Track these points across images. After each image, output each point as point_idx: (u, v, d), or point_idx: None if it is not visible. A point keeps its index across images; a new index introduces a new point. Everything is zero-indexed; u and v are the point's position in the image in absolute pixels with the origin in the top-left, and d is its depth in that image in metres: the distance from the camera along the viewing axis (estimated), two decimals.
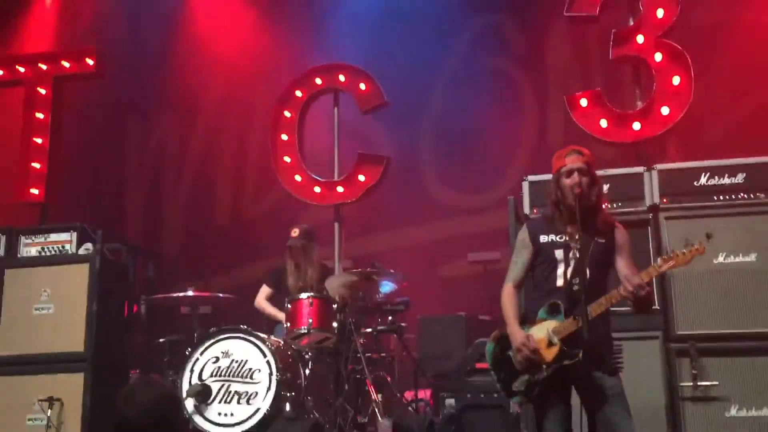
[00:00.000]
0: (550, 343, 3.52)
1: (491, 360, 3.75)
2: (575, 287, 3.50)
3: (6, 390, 5.68)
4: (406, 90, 7.88)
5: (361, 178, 6.99)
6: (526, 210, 5.18)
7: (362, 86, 7.08)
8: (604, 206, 3.88)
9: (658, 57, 5.98)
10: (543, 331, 3.55)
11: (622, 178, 5.14)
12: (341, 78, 7.16)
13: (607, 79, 6.73)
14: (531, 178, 5.25)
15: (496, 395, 5.20)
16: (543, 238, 3.72)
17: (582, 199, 3.60)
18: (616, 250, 3.68)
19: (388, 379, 5.83)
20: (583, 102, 6.06)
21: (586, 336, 3.34)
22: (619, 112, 6.01)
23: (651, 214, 4.93)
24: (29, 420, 5.55)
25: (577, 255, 3.57)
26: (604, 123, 6.00)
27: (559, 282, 3.63)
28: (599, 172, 5.01)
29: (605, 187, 5.04)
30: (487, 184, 7.73)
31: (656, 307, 4.74)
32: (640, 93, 6.08)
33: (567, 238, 3.64)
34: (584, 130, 5.97)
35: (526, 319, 3.68)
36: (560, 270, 3.64)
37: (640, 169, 5.18)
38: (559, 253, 3.66)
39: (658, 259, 3.53)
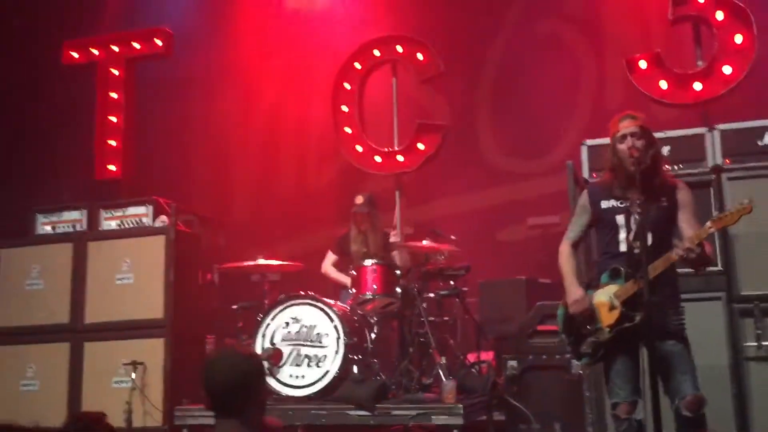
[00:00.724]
0: (612, 307, 3.63)
1: (562, 323, 3.88)
2: (636, 251, 3.56)
3: (93, 355, 6.06)
4: (462, 57, 7.91)
5: (421, 146, 7.08)
6: (585, 174, 5.22)
7: (420, 56, 7.13)
8: (664, 168, 3.89)
9: (719, 15, 5.85)
10: (605, 295, 3.66)
11: (683, 140, 5.12)
12: (399, 49, 7.23)
13: (666, 39, 6.61)
14: (589, 142, 5.28)
15: (558, 357, 5.32)
16: (604, 204, 3.79)
17: (639, 163, 3.64)
18: (679, 208, 3.72)
19: (451, 342, 6.00)
20: (643, 64, 5.99)
21: (647, 298, 3.39)
22: (679, 73, 5.92)
23: (713, 175, 4.91)
24: (115, 382, 5.92)
25: (638, 219, 3.61)
26: (664, 84, 5.93)
27: (622, 247, 3.70)
28: (660, 134, 5.07)
29: (666, 149, 5.07)
30: (545, 149, 7.72)
31: (719, 267, 4.75)
32: (700, 53, 5.97)
33: (628, 203, 3.68)
34: (643, 93, 5.91)
35: (591, 285, 3.78)
36: (622, 235, 3.71)
37: (701, 129, 5.16)
38: (620, 219, 3.72)
39: (708, 222, 3.55)
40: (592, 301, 3.72)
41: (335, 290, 6.35)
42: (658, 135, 5.05)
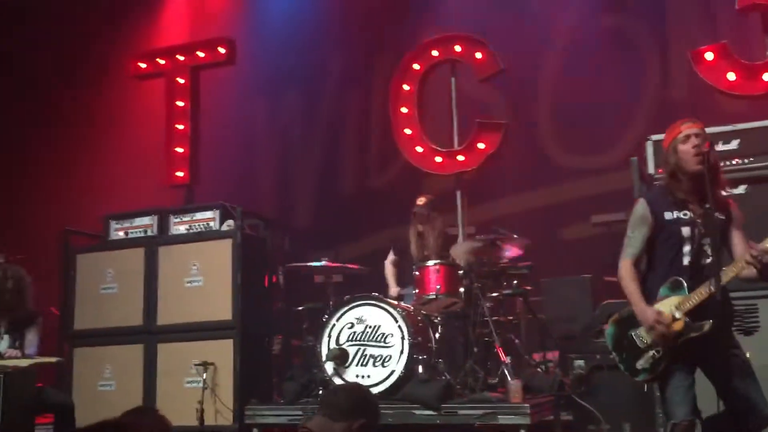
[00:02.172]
0: (674, 318, 3.49)
1: (612, 342, 3.72)
2: (707, 261, 3.48)
3: (166, 356, 6.22)
4: (521, 54, 7.85)
5: (481, 145, 7.07)
6: (651, 170, 5.13)
7: (478, 55, 7.13)
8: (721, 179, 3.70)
9: None
10: (666, 307, 3.52)
11: (753, 132, 4.97)
12: (457, 48, 7.25)
13: (733, 30, 6.44)
14: (654, 137, 5.16)
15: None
16: (667, 215, 3.61)
17: (704, 161, 3.51)
18: (733, 225, 3.61)
19: (516, 341, 5.97)
20: (709, 55, 5.88)
21: (720, 299, 3.30)
22: (747, 64, 5.79)
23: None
24: (188, 382, 6.07)
25: (703, 231, 3.52)
26: (731, 76, 5.81)
27: (686, 260, 3.56)
28: (729, 127, 4.98)
29: (736, 143, 4.95)
30: (608, 145, 7.59)
31: None
32: None
33: (691, 214, 3.57)
34: (709, 85, 5.81)
35: (647, 298, 3.60)
36: (687, 248, 3.57)
37: None
38: (686, 231, 3.57)
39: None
40: None
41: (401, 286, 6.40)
42: (726, 128, 5.00)
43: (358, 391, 3.35)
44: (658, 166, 5.07)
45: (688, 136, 3.62)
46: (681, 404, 3.47)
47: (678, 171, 3.62)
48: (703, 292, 3.45)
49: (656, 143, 5.14)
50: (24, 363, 5.12)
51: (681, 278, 3.53)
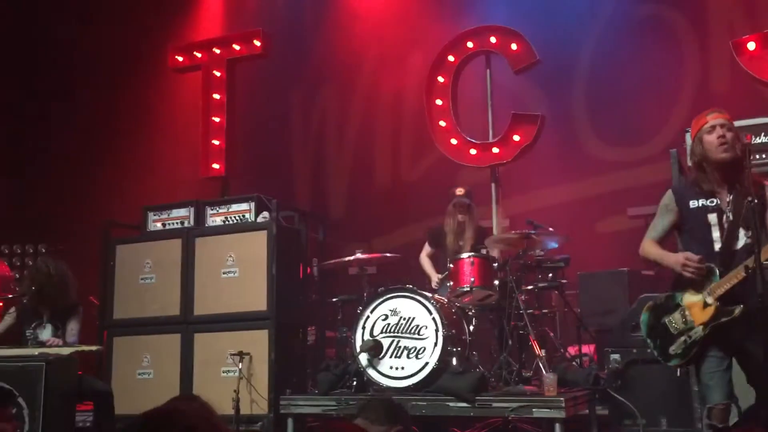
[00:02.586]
0: (706, 304, 3.55)
1: (646, 329, 3.80)
2: (740, 246, 3.50)
3: (202, 346, 6.29)
4: (557, 45, 7.78)
5: (516, 138, 7.01)
6: (690, 162, 5.05)
7: (513, 46, 7.06)
8: (751, 164, 3.68)
9: None
10: (697, 294, 3.58)
11: None
12: (492, 40, 7.18)
13: None
14: None
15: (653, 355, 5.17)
16: (693, 204, 3.68)
17: (730, 149, 3.57)
18: (767, 208, 3.59)
19: (551, 334, 5.93)
20: (751, 45, 5.74)
21: (760, 289, 3.26)
22: None
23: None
24: (224, 372, 6.13)
25: (731, 218, 3.55)
26: None
27: (716, 246, 3.60)
28: None
29: None
30: (646, 137, 7.51)
31: None
32: None
33: (718, 201, 3.60)
34: (752, 76, 5.67)
35: (678, 285, 3.68)
36: (716, 234, 3.61)
37: None
38: (712, 218, 3.62)
39: None
40: (681, 302, 3.65)
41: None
42: None
43: (392, 401, 3.62)
44: None
45: (713, 127, 3.67)
46: (716, 388, 3.53)
47: (704, 161, 3.68)
48: (737, 276, 3.46)
49: None
50: (65, 351, 5.23)
51: (712, 264, 3.56)
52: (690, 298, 3.61)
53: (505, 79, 7.34)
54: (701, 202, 3.67)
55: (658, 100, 7.43)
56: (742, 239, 3.55)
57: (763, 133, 4.88)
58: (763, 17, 6.74)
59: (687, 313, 3.61)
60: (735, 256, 3.54)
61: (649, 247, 3.82)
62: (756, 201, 3.53)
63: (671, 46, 7.56)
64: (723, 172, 3.61)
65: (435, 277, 6.22)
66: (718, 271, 3.54)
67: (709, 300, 3.54)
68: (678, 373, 4.84)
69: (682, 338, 3.61)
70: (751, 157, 3.74)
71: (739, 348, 3.56)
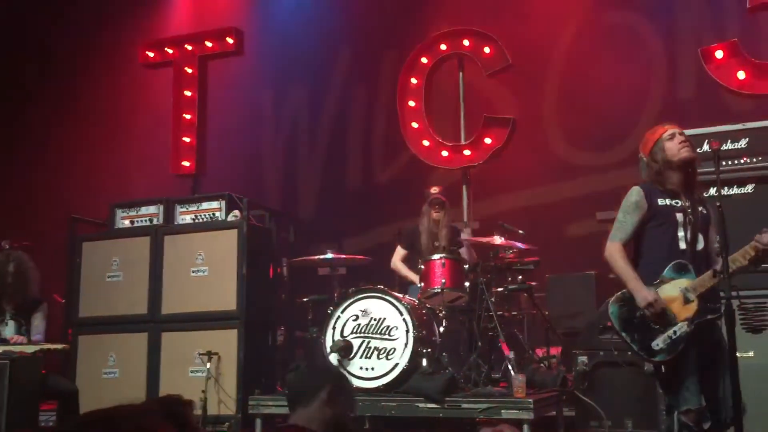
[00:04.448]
0: (687, 300, 3.56)
1: (619, 322, 3.73)
2: (699, 248, 3.59)
3: (170, 345, 6.23)
4: (529, 50, 7.84)
5: (488, 140, 7.06)
6: (642, 175, 5.11)
7: (486, 50, 7.12)
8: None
9: None
10: (675, 289, 3.59)
11: (762, 131, 4.98)
12: (465, 43, 7.23)
13: (743, 28, 6.43)
14: None
15: (629, 353, 5.22)
16: (660, 201, 3.73)
17: (691, 151, 3.69)
18: (710, 223, 3.73)
19: (520, 336, 5.98)
20: (719, 54, 5.86)
21: (727, 293, 3.36)
22: (758, 63, 5.77)
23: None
24: (191, 372, 6.08)
25: (692, 220, 3.64)
26: (741, 75, 5.80)
27: (682, 245, 3.65)
28: (738, 126, 4.98)
29: (744, 141, 4.95)
30: (615, 142, 7.59)
31: None
32: None
33: (682, 203, 3.68)
34: (718, 83, 5.80)
35: (647, 279, 3.67)
36: (681, 233, 3.66)
37: None
38: (680, 216, 3.67)
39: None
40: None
41: (402, 284, 6.40)
42: (735, 127, 5.00)
43: (305, 370, 3.38)
44: None
45: (673, 135, 3.77)
46: (695, 392, 3.52)
47: (667, 167, 3.73)
48: (711, 277, 3.53)
49: None
50: (30, 349, 5.13)
51: (685, 261, 3.61)
52: (668, 293, 3.60)
53: (477, 82, 7.38)
54: (668, 200, 3.73)
55: (626, 105, 7.52)
56: (701, 243, 3.65)
57: (729, 140, 4.98)
58: (730, 27, 6.88)
59: (668, 308, 3.59)
60: (697, 256, 3.62)
61: (618, 256, 3.75)
62: (706, 213, 3.70)
63: (640, 52, 7.67)
64: (683, 176, 3.69)
65: (415, 278, 6.18)
66: (691, 267, 3.59)
67: (691, 296, 3.56)
68: (647, 368, 4.93)
69: (667, 333, 3.57)
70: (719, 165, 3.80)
71: (716, 350, 3.57)
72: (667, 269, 3.63)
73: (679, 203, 3.69)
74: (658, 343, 3.59)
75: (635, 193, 3.79)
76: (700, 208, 3.62)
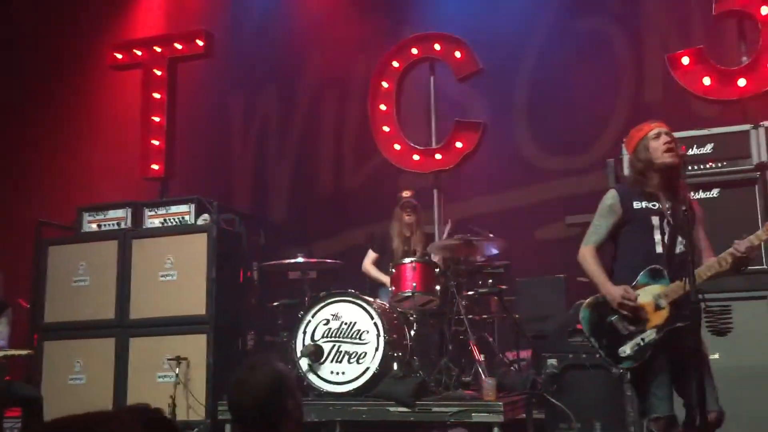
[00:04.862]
0: (658, 307, 3.52)
1: (588, 327, 3.68)
2: (678, 251, 3.52)
3: (138, 350, 6.17)
4: (500, 54, 7.89)
5: (459, 144, 7.08)
6: (626, 172, 5.18)
7: (457, 54, 7.14)
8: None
9: (764, 10, 5.77)
10: (648, 295, 3.54)
11: (727, 137, 5.06)
12: (437, 47, 7.24)
13: (709, 35, 6.54)
14: None
15: (598, 355, 5.27)
16: (636, 204, 3.67)
17: (678, 155, 3.61)
18: (696, 222, 3.68)
19: (490, 339, 6.01)
20: (685, 60, 5.93)
21: (694, 298, 3.26)
22: (723, 69, 5.85)
23: (758, 173, 4.87)
24: (160, 377, 6.04)
25: (671, 222, 3.57)
26: (707, 81, 5.87)
27: (659, 249, 3.60)
28: (704, 132, 5.06)
29: (710, 147, 5.04)
30: (584, 147, 7.67)
31: (764, 266, 4.71)
32: (745, 48, 5.90)
33: (659, 205, 3.62)
34: (685, 89, 5.86)
35: (619, 282, 3.61)
36: (657, 237, 3.61)
37: (746, 126, 5.09)
38: (655, 220, 3.62)
39: (762, 228, 3.48)
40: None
41: (372, 288, 6.39)
42: (701, 132, 5.08)
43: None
44: None
45: (659, 134, 3.71)
46: (664, 399, 3.49)
47: (649, 167, 3.67)
48: (681, 285, 3.46)
49: None
50: None
51: (660, 267, 3.56)
52: (640, 299, 3.54)
53: (448, 87, 7.41)
54: (644, 203, 3.67)
55: (595, 110, 7.61)
56: (680, 245, 3.57)
57: (695, 145, 5.06)
58: (697, 33, 7.00)
59: (641, 305, 3.54)
60: (674, 260, 3.54)
61: (590, 258, 3.71)
62: (689, 214, 3.58)
63: (609, 58, 7.76)
64: (665, 178, 3.63)
65: (388, 282, 6.16)
66: (666, 272, 3.54)
67: (662, 303, 3.51)
68: (615, 370, 4.97)
69: (635, 339, 3.53)
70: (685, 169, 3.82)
71: (679, 358, 3.52)
72: (641, 275, 3.58)
73: (657, 206, 3.63)
74: (626, 349, 3.55)
75: (610, 197, 3.76)
76: (683, 209, 3.52)
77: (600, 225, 3.77)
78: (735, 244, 3.48)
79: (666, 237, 3.59)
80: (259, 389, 2.50)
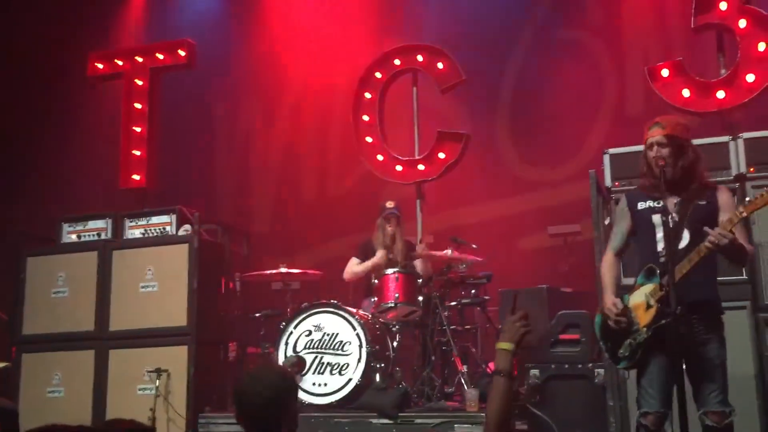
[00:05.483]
0: (648, 306, 3.60)
1: (599, 331, 3.85)
2: (682, 246, 3.58)
3: (117, 362, 6.09)
4: (483, 66, 7.94)
5: (441, 155, 7.09)
6: (608, 183, 5.22)
7: (440, 65, 7.16)
8: (702, 171, 3.82)
9: (742, 23, 5.83)
10: (641, 295, 3.65)
11: (706, 148, 5.02)
12: (419, 58, 7.26)
13: (688, 48, 6.61)
14: (612, 151, 5.27)
15: (580, 366, 5.32)
16: (641, 205, 3.81)
17: (666, 171, 3.65)
18: (720, 210, 3.69)
19: (473, 350, 6.00)
20: (665, 72, 5.97)
21: (674, 301, 3.35)
22: (702, 81, 5.90)
23: (737, 184, 4.91)
24: (140, 390, 5.96)
25: (676, 218, 3.61)
26: (686, 93, 5.92)
27: (660, 246, 3.69)
28: None
29: None
30: (566, 157, 7.73)
31: (744, 276, 4.74)
32: (723, 61, 5.96)
33: (664, 203, 3.67)
34: (665, 101, 5.91)
35: (635, 287, 3.75)
36: (660, 234, 3.69)
37: (725, 138, 5.13)
38: (656, 218, 3.70)
39: (739, 206, 3.54)
40: (628, 304, 3.70)
41: (356, 299, 6.38)
42: None
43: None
44: (615, 178, 5.18)
45: (651, 145, 3.78)
46: (653, 396, 3.59)
47: (648, 173, 3.79)
48: (657, 289, 3.56)
49: (613, 156, 5.24)
50: None
51: (653, 265, 3.64)
52: (635, 300, 3.67)
53: (431, 97, 7.43)
54: (648, 203, 3.78)
55: (577, 121, 7.67)
56: (686, 239, 3.62)
57: None
58: (676, 45, 7.07)
59: (633, 314, 3.66)
60: (679, 255, 3.57)
61: (604, 264, 3.91)
62: (705, 203, 3.67)
63: (590, 70, 7.83)
64: (667, 183, 3.69)
65: (379, 253, 6.13)
66: (659, 271, 3.61)
67: (651, 301, 3.59)
68: (598, 380, 5.00)
69: (628, 341, 3.65)
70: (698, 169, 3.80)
71: (685, 355, 3.57)
72: (640, 275, 3.72)
73: (660, 204, 3.69)
74: (622, 351, 3.69)
75: (621, 201, 3.97)
76: (698, 202, 3.62)
77: (615, 231, 3.97)
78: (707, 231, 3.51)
79: (668, 233, 3.61)
80: (268, 389, 2.63)
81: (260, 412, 2.62)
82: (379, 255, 6.09)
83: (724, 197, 3.75)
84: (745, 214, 3.49)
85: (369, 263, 6.16)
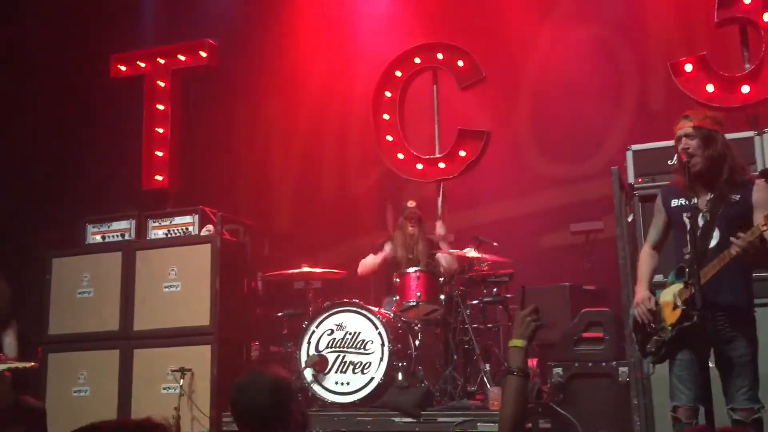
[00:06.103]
0: (675, 306, 3.63)
1: (633, 324, 3.90)
2: (712, 246, 3.59)
3: (142, 362, 6.17)
4: (503, 63, 7.89)
5: (462, 153, 7.07)
6: (631, 179, 5.18)
7: (460, 63, 7.14)
8: (735, 164, 3.76)
9: (766, 17, 5.76)
10: (671, 294, 3.67)
11: (732, 144, 5.02)
12: (439, 56, 7.24)
13: (712, 42, 6.51)
14: (635, 147, 5.22)
15: (604, 364, 5.28)
16: (674, 203, 3.81)
17: (693, 164, 3.63)
18: (754, 208, 3.63)
19: (495, 349, 5.98)
20: (688, 67, 5.90)
21: (699, 302, 3.36)
22: (726, 76, 5.82)
23: (764, 179, 4.83)
24: (164, 388, 6.03)
25: (708, 217, 3.61)
26: (710, 88, 5.84)
27: (689, 246, 3.61)
28: None
29: None
30: (588, 154, 7.65)
31: None
32: (747, 55, 5.87)
33: (696, 201, 3.63)
34: (688, 96, 5.84)
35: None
36: (689, 234, 3.62)
37: (750, 133, 5.06)
38: (686, 217, 3.68)
39: (762, 218, 3.46)
40: (658, 300, 3.74)
41: (377, 298, 6.38)
42: None
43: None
44: (638, 175, 5.13)
45: (679, 138, 3.77)
46: (684, 390, 3.63)
47: (679, 168, 3.78)
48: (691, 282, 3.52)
49: (636, 152, 5.19)
50: None
51: (684, 265, 3.65)
52: (665, 298, 3.71)
53: (451, 95, 7.40)
54: (681, 201, 3.78)
55: (600, 118, 7.59)
56: (716, 239, 3.60)
57: None
58: (699, 40, 6.98)
59: (661, 312, 3.71)
60: (707, 255, 3.56)
61: (641, 257, 3.97)
62: (737, 200, 3.63)
63: (612, 65, 7.75)
64: (695, 177, 3.66)
65: (386, 247, 6.19)
66: (687, 271, 3.60)
67: (678, 302, 3.61)
68: (622, 379, 4.98)
69: (655, 337, 3.72)
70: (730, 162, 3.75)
71: (714, 354, 3.62)
72: (671, 273, 3.75)
73: (688, 203, 3.67)
74: (650, 346, 3.75)
75: (658, 197, 3.99)
76: (731, 197, 3.60)
77: (653, 225, 4.00)
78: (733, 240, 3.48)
79: (699, 232, 3.58)
80: (261, 393, 2.54)
81: (254, 419, 2.54)
82: (386, 250, 6.17)
83: (758, 194, 3.66)
84: (765, 230, 3.38)
85: (378, 258, 6.22)
